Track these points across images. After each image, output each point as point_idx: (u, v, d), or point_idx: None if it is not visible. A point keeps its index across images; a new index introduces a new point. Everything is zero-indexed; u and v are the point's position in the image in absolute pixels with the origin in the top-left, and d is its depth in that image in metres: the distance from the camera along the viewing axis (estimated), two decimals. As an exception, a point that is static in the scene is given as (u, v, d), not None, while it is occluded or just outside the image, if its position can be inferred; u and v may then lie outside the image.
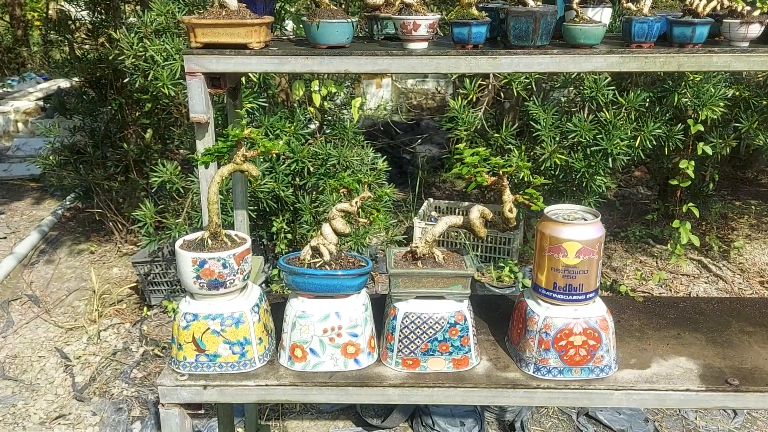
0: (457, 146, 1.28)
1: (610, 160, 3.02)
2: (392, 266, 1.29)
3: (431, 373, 1.29)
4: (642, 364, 1.30)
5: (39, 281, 3.72)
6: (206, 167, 1.37)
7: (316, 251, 1.31)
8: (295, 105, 3.38)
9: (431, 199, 3.89)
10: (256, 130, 1.26)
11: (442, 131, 4.65)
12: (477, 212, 1.28)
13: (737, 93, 2.99)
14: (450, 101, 3.14)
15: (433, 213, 3.91)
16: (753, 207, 4.00)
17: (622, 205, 4.15)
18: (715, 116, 3.03)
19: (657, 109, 3.11)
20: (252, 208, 3.05)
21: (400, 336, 1.28)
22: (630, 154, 3.00)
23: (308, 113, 3.35)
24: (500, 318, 1.48)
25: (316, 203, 3.26)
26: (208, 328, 1.28)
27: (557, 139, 3.06)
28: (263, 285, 3.58)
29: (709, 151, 3.04)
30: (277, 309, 1.42)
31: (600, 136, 2.99)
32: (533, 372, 1.27)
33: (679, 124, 3.07)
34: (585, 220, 1.27)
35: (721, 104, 2.90)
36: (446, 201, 3.90)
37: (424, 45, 1.37)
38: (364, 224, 1.29)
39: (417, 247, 1.29)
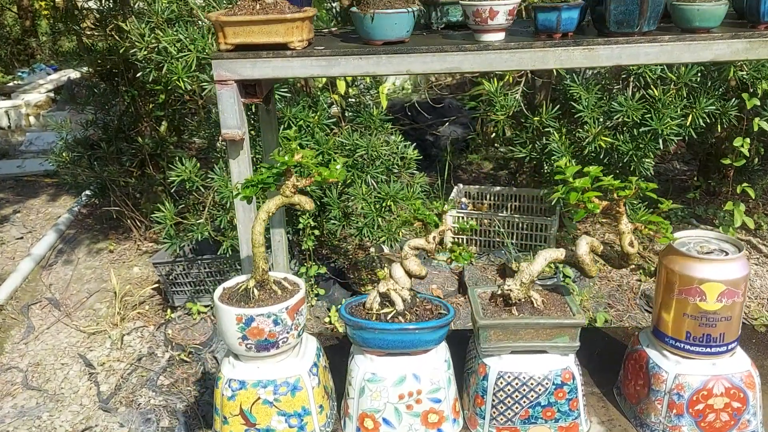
0: (558, 164, 0.98)
1: (660, 141, 2.70)
2: (481, 315, 1.00)
3: (534, 445, 1.01)
4: (793, 426, 1.02)
5: (58, 283, 3.46)
6: (249, 202, 1.08)
7: (385, 298, 1.02)
8: (318, 92, 3.06)
9: (461, 185, 3.58)
10: (308, 153, 0.97)
11: (466, 111, 4.31)
12: (586, 246, 0.99)
13: (798, 63, 2.65)
14: (484, 82, 2.81)
15: (463, 199, 3.61)
16: (798, 180, 3.67)
17: (660, 181, 3.82)
18: (774, 89, 2.70)
19: (709, 84, 2.77)
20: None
21: (493, 400, 1.00)
22: (681, 133, 2.68)
23: (331, 100, 3.03)
24: (593, 353, 1.19)
25: (343, 198, 2.96)
26: (259, 398, 1.00)
27: (601, 120, 2.74)
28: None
29: (766, 126, 2.72)
30: (331, 351, 1.14)
31: (648, 115, 2.66)
32: (661, 441, 1.00)
33: (732, 99, 2.74)
34: (725, 253, 0.97)
35: (783, 76, 2.57)
36: (476, 186, 3.59)
37: (501, 36, 1.06)
38: (447, 261, 1.00)
39: (511, 290, 1.00)
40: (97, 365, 2.95)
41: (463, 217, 3.35)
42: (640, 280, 3.24)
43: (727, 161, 2.86)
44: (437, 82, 4.81)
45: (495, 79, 2.75)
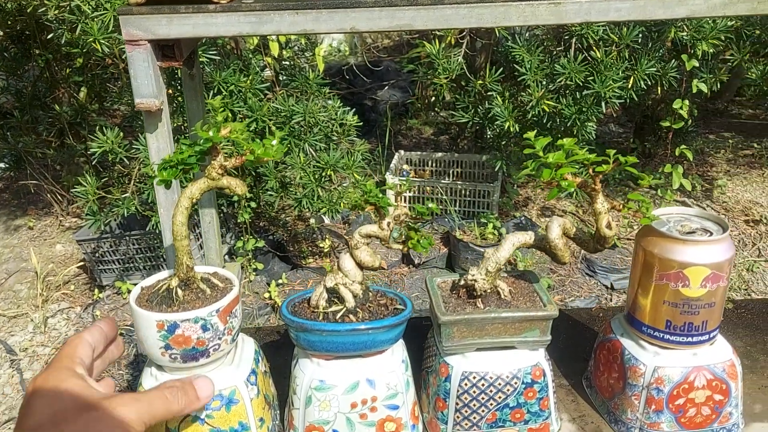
0: (526, 134, 0.85)
1: (603, 104, 2.62)
2: (443, 310, 0.87)
3: (502, 450, 0.90)
4: (773, 413, 0.94)
5: (-28, 264, 3.16)
6: (167, 187, 0.90)
7: (333, 294, 0.88)
8: (249, 55, 2.83)
9: (402, 152, 3.44)
10: (238, 127, 0.80)
11: (405, 74, 4.14)
12: (558, 229, 0.86)
13: (737, 23, 2.60)
14: (425, 44, 2.65)
15: (405, 166, 3.47)
16: (728, 141, 3.71)
17: (597, 144, 3.79)
18: (712, 50, 2.65)
19: (650, 45, 2.70)
20: (210, 176, 2.54)
21: (457, 404, 0.88)
22: (623, 96, 2.60)
23: (264, 63, 2.80)
24: (558, 340, 1.09)
25: (280, 167, 2.76)
26: (188, 415, 0.84)
27: (544, 83, 2.63)
28: (226, 257, 3.11)
29: (704, 88, 2.67)
30: (273, 349, 0.99)
31: (591, 78, 2.57)
32: (638, 439, 0.90)
33: (672, 61, 2.68)
34: (709, 233, 0.86)
35: (722, 37, 2.52)
36: (418, 153, 3.46)
37: (459, -13, 0.91)
38: (402, 249, 0.86)
39: (475, 280, 0.87)
40: (19, 351, 2.71)
41: (404, 184, 3.22)
42: (581, 244, 3.17)
43: (667, 123, 2.82)
44: (375, 44, 4.60)
45: (436, 40, 2.60)
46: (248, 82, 2.60)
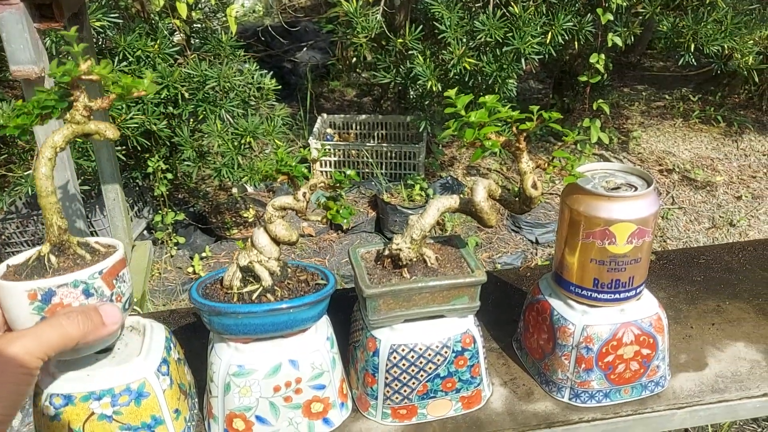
0: (446, 93, 0.79)
1: (522, 60, 2.61)
2: (367, 283, 0.81)
3: (434, 423, 0.86)
4: (697, 363, 0.94)
5: None
6: (22, 137, 0.80)
7: (248, 273, 0.81)
8: (156, 17, 2.64)
9: (325, 115, 3.34)
10: (103, 63, 0.70)
11: (324, 34, 4.00)
12: (483, 191, 0.82)
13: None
14: (342, 2, 2.55)
15: (329, 130, 3.37)
16: (642, 93, 3.79)
17: (518, 101, 3.80)
18: (626, 3, 2.67)
19: (566, 0, 2.69)
20: (120, 149, 2.39)
21: (386, 378, 0.83)
22: (541, 52, 2.60)
23: (172, 26, 2.63)
24: (487, 303, 1.06)
25: (197, 136, 2.62)
26: (93, 413, 0.76)
27: (464, 40, 2.59)
28: (145, 233, 2.95)
29: (619, 41, 2.70)
30: (189, 332, 0.91)
31: (510, 34, 2.54)
32: (570, 399, 0.88)
33: (588, 15, 2.69)
34: (634, 188, 0.84)
35: (635, -10, 2.54)
36: (341, 116, 3.37)
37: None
38: (322, 221, 0.80)
39: (400, 249, 0.82)
40: None
41: (329, 148, 3.13)
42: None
43: (584, 78, 2.83)
44: (291, 4, 4.43)
45: (353, -3, 2.50)
46: (156, 46, 2.43)
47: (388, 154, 3.12)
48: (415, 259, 0.83)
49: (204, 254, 2.72)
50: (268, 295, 0.79)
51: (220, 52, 2.64)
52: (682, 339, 0.98)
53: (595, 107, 2.88)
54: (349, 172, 0.81)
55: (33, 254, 0.73)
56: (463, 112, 0.78)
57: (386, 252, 0.85)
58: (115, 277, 0.73)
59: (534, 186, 0.80)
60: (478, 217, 0.83)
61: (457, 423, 0.86)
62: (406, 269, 0.83)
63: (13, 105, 0.67)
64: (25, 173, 2.37)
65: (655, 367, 0.88)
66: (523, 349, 0.96)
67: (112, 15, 2.25)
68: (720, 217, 2.93)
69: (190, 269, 2.65)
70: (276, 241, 0.81)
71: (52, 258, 0.71)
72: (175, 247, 2.75)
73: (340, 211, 0.80)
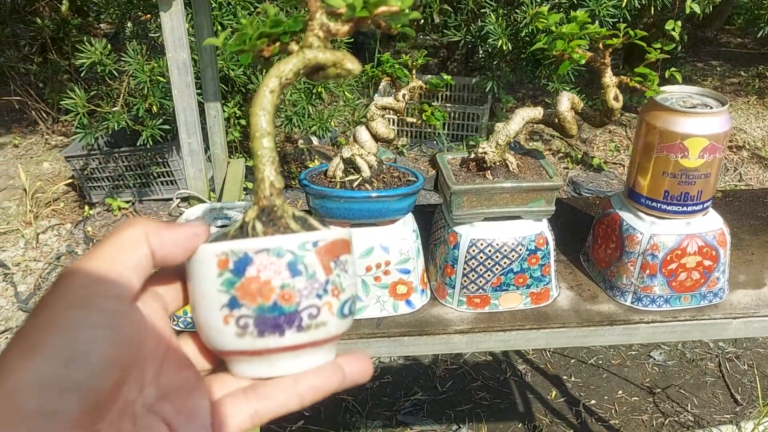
0: (540, 9, 0.88)
1: (597, 23, 2.63)
2: (452, 180, 0.92)
3: (505, 313, 0.96)
4: (756, 283, 1.01)
5: (-42, 182, 3.14)
6: (247, 61, 0.48)
7: (350, 165, 0.92)
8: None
9: (392, 72, 3.43)
10: None
11: (394, -5, 4.08)
12: (567, 102, 0.90)
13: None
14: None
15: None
16: (716, 69, 3.75)
17: (585, 70, 3.81)
18: (707, -30, 2.66)
19: (644, -37, 2.70)
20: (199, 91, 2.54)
21: (464, 269, 0.94)
22: (616, 15, 2.62)
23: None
24: (558, 223, 1.15)
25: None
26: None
27: (539, 1, 2.63)
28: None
29: (698, 9, 2.69)
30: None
31: (584, -4, 2.57)
32: (632, 303, 0.97)
33: (666, -19, 2.69)
34: (710, 107, 0.91)
35: (717, -43, 2.52)
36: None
37: None
38: (416, 123, 0.90)
39: (485, 153, 0.91)
40: (12, 265, 2.74)
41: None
42: (567, 168, 3.25)
43: (658, 45, 2.84)
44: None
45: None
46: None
47: (452, 114, 3.20)
48: (498, 163, 0.93)
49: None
50: (367, 185, 0.90)
51: (297, 5, 2.75)
52: (743, 263, 1.05)
53: (667, 75, 2.89)
54: (445, 76, 0.91)
55: (234, 225, 0.45)
56: (554, 28, 0.87)
57: (471, 156, 0.94)
58: (334, 259, 0.45)
59: (616, 98, 0.88)
60: (561, 127, 0.92)
61: (525, 314, 0.96)
62: (489, 171, 0.92)
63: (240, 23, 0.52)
64: (112, 110, 2.55)
65: (716, 278, 0.95)
66: (590, 260, 1.05)
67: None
68: (789, 194, 2.91)
69: (258, 212, 2.81)
70: (376, 138, 0.91)
71: (258, 226, 0.47)
72: (244, 193, 2.91)
73: (434, 113, 0.90)
